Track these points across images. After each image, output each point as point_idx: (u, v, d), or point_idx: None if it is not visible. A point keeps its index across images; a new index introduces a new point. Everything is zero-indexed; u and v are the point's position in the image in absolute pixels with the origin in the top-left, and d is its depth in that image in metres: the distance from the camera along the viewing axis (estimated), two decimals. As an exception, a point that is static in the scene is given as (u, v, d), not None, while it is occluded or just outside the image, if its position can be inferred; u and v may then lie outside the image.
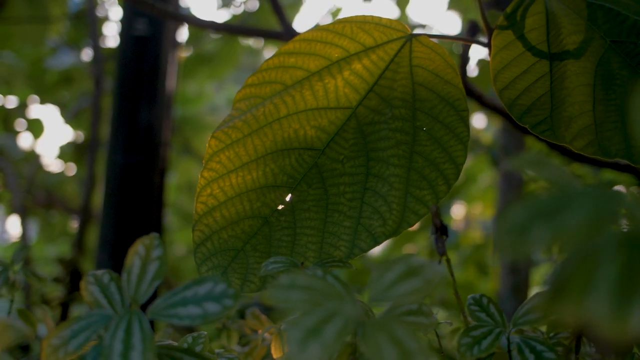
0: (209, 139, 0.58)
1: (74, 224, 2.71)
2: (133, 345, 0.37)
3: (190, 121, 2.63)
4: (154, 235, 0.42)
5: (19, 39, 1.74)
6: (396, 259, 0.34)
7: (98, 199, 2.33)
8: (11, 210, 2.50)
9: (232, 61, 2.48)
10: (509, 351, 0.47)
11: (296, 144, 0.57)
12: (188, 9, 3.23)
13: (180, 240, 2.81)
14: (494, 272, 2.68)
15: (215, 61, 2.45)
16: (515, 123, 0.78)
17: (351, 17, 0.60)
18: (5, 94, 2.35)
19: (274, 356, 0.62)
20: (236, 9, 2.60)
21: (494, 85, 0.57)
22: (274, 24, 2.53)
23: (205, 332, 0.53)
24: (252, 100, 0.59)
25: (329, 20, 2.91)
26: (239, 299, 0.39)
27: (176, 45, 1.58)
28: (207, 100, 3.12)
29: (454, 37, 0.66)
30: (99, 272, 0.43)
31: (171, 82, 1.55)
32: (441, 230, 0.45)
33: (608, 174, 2.35)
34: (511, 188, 2.10)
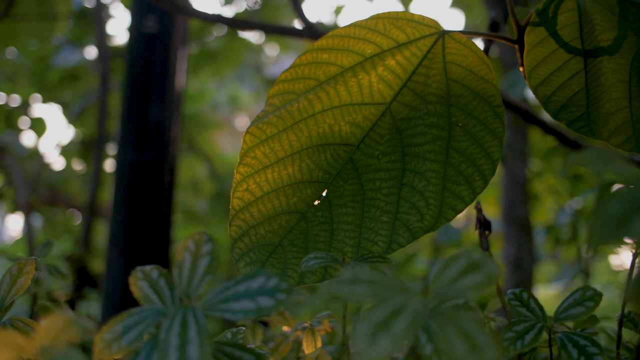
0: (244, 134, 0.58)
1: (78, 221, 2.70)
2: (189, 339, 0.37)
3: (193, 119, 2.63)
4: (203, 231, 0.42)
5: (27, 36, 1.73)
6: (456, 255, 0.34)
7: (103, 196, 2.32)
8: (14, 207, 2.50)
9: (235, 58, 2.48)
10: (550, 346, 0.48)
11: (331, 139, 0.57)
12: (191, 5, 3.22)
13: (182, 237, 2.81)
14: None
15: (218, 58, 2.44)
16: (542, 126, 0.78)
17: (383, 13, 0.61)
18: (9, 91, 2.34)
19: (306, 352, 0.63)
20: (238, 7, 2.59)
21: (528, 81, 0.57)
22: (276, 22, 2.53)
23: (244, 328, 0.53)
24: (286, 96, 0.59)
25: (331, 17, 2.90)
26: (292, 293, 0.39)
27: (185, 42, 1.58)
28: (208, 98, 3.11)
29: (484, 34, 0.66)
30: (147, 267, 0.44)
31: (180, 79, 1.55)
32: (484, 226, 0.46)
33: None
34: (514, 186, 2.11)
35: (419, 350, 0.37)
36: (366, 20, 0.60)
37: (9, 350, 0.31)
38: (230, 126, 3.78)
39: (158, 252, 1.44)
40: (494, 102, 0.57)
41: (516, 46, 0.65)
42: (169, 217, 1.47)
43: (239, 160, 0.57)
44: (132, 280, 0.43)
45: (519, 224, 2.16)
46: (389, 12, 0.61)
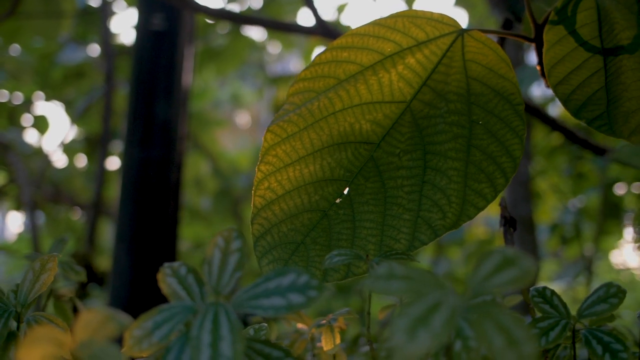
0: (265, 132, 0.58)
1: (81, 219, 2.70)
2: (222, 336, 0.37)
3: (196, 116, 2.63)
4: (232, 227, 0.42)
5: (32, 34, 1.73)
6: (490, 251, 0.34)
7: (107, 193, 2.32)
8: (17, 204, 2.50)
9: (239, 57, 2.48)
10: (574, 342, 0.48)
11: (352, 137, 0.57)
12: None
13: (186, 235, 2.81)
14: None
15: (222, 57, 2.44)
16: (554, 126, 0.79)
17: (403, 11, 0.61)
18: (13, 89, 2.34)
19: (325, 349, 0.63)
20: (242, 5, 2.59)
21: (548, 80, 0.57)
22: (280, 20, 2.53)
23: (266, 324, 0.53)
24: (306, 94, 0.59)
25: (333, 15, 2.90)
26: (323, 290, 0.39)
27: (192, 40, 1.58)
28: (211, 96, 3.11)
29: (502, 32, 0.66)
30: (175, 264, 0.44)
31: (187, 77, 1.55)
32: (509, 223, 0.46)
33: (614, 170, 2.37)
34: (517, 184, 2.11)
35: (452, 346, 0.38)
36: (385, 18, 0.61)
37: (48, 345, 0.32)
38: (232, 124, 3.78)
39: (165, 249, 1.44)
40: (514, 100, 0.57)
41: (533, 44, 0.65)
42: (176, 214, 1.47)
43: (260, 158, 0.57)
44: (160, 276, 0.43)
45: (522, 222, 2.16)
46: (408, 11, 0.61)
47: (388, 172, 0.57)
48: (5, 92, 2.39)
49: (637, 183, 2.40)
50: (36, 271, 0.51)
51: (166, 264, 0.44)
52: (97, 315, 0.33)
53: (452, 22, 0.60)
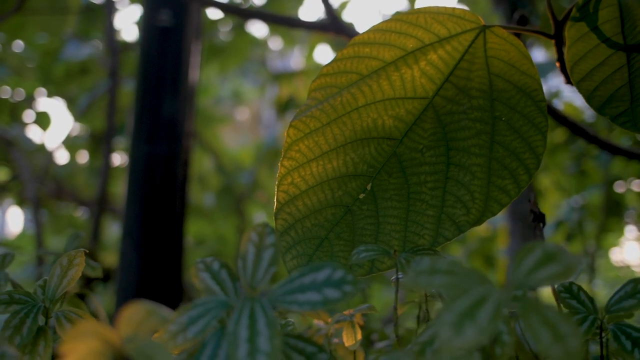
0: (287, 127, 0.58)
1: (83, 215, 2.70)
2: (259, 331, 0.37)
3: (199, 113, 2.63)
4: (265, 223, 0.42)
5: (36, 30, 1.73)
6: (531, 246, 0.34)
7: (111, 189, 2.32)
8: (20, 201, 2.49)
9: (242, 53, 2.48)
10: (601, 338, 0.48)
11: (375, 133, 0.58)
12: None
13: (188, 232, 2.81)
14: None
15: (225, 53, 2.44)
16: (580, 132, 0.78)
17: (424, 7, 0.61)
18: (15, 85, 2.33)
19: (346, 344, 0.63)
20: (245, 2, 2.59)
21: (571, 77, 0.58)
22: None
23: (292, 320, 0.53)
24: (328, 89, 0.59)
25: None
26: (358, 285, 0.39)
27: (199, 36, 1.58)
28: (213, 92, 3.11)
29: (525, 29, 0.66)
30: (208, 259, 0.44)
31: (194, 73, 1.54)
32: (539, 218, 0.46)
33: (617, 167, 2.37)
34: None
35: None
36: (407, 14, 0.61)
37: (93, 339, 0.32)
38: (232, 121, 3.78)
39: (172, 245, 1.44)
40: (536, 96, 0.57)
41: (553, 41, 0.65)
42: (183, 210, 1.47)
43: (282, 153, 0.57)
44: (193, 271, 0.43)
45: (524, 219, 2.16)
46: (430, 7, 0.61)
47: (411, 168, 0.57)
48: (8, 88, 2.38)
49: (638, 180, 2.40)
50: (64, 266, 0.51)
51: (199, 259, 0.44)
52: (139, 310, 0.33)
53: (474, 19, 0.60)
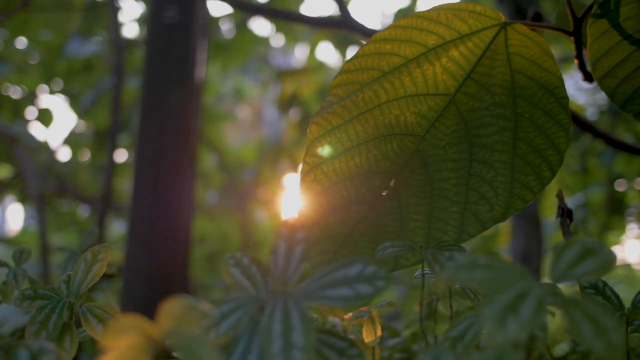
0: (310, 124, 0.58)
1: (85, 212, 2.70)
2: (293, 326, 0.37)
3: (202, 110, 2.62)
4: (295, 219, 0.42)
5: (41, 26, 1.72)
6: (569, 241, 0.34)
7: (114, 186, 2.32)
8: (21, 197, 2.49)
9: (245, 50, 2.48)
10: (627, 334, 0.48)
11: (397, 129, 0.58)
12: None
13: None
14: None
15: (228, 50, 2.44)
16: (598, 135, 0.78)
17: (445, 4, 0.61)
18: (18, 82, 2.33)
19: (366, 340, 0.63)
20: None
21: (593, 73, 0.58)
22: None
23: (316, 315, 0.53)
24: (350, 86, 0.59)
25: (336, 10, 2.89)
26: (390, 280, 0.39)
27: (205, 33, 1.58)
28: (215, 90, 3.11)
29: (544, 25, 0.66)
30: (237, 254, 0.44)
31: (200, 70, 1.54)
32: (567, 214, 0.46)
33: (619, 165, 2.38)
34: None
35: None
36: (428, 11, 0.61)
37: (135, 334, 0.32)
38: (234, 118, 3.77)
39: (178, 242, 1.44)
40: (558, 93, 0.57)
41: (572, 38, 0.65)
42: (189, 207, 1.47)
43: (305, 150, 0.57)
44: (223, 267, 0.43)
45: (527, 217, 2.17)
46: (451, 4, 0.61)
47: (434, 165, 0.57)
48: (10, 85, 2.38)
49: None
50: (88, 262, 0.51)
51: (228, 255, 0.44)
52: (180, 305, 0.33)
53: (495, 15, 0.60)
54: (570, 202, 2.40)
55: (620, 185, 2.41)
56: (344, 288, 0.40)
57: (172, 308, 0.32)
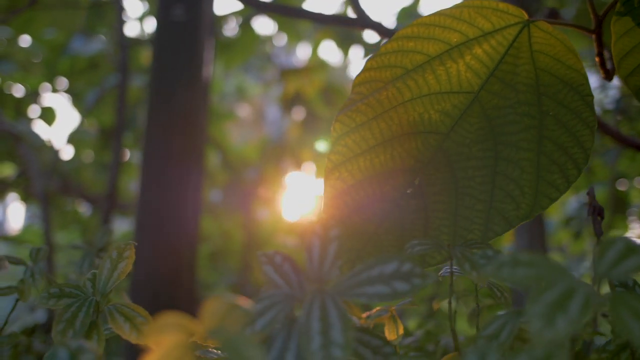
0: (334, 122, 0.58)
1: (88, 211, 2.69)
2: (331, 323, 0.37)
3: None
4: (329, 216, 0.42)
5: (47, 24, 1.72)
6: (612, 240, 0.34)
7: (120, 185, 2.31)
8: (24, 196, 2.48)
9: (249, 49, 2.47)
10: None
11: (421, 127, 0.57)
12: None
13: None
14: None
15: (232, 49, 2.43)
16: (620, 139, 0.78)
17: (468, 2, 0.61)
18: (21, 80, 2.32)
19: (389, 338, 0.63)
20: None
21: (617, 72, 0.58)
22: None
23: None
24: (373, 84, 0.59)
25: (341, 8, 2.90)
26: (427, 278, 0.39)
27: (212, 31, 1.58)
28: (218, 88, 3.10)
29: (566, 23, 0.66)
30: (270, 252, 0.44)
31: (208, 68, 1.54)
32: (598, 212, 0.46)
33: (623, 165, 2.38)
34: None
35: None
36: (451, 8, 0.60)
37: (179, 332, 0.31)
38: (236, 117, 3.77)
39: (186, 240, 1.44)
40: (583, 91, 0.57)
41: (593, 36, 0.65)
42: (197, 207, 1.47)
43: (329, 147, 0.57)
44: (256, 265, 0.43)
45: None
46: (474, 1, 0.61)
47: (459, 163, 0.57)
48: (13, 83, 2.37)
49: (640, 178, 2.41)
50: (113, 260, 0.51)
51: (260, 252, 0.43)
52: (222, 304, 0.33)
53: (518, 13, 0.60)
54: (574, 201, 2.40)
55: (621, 185, 2.41)
56: (381, 285, 0.39)
57: (214, 306, 0.32)
